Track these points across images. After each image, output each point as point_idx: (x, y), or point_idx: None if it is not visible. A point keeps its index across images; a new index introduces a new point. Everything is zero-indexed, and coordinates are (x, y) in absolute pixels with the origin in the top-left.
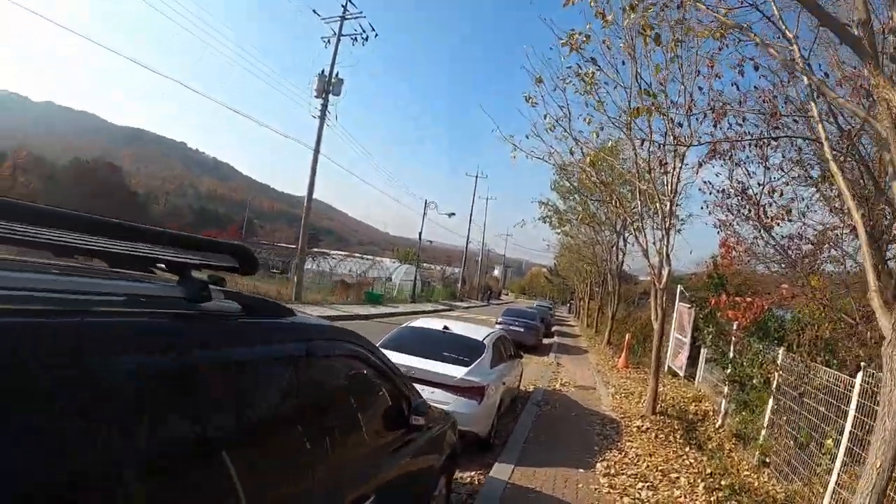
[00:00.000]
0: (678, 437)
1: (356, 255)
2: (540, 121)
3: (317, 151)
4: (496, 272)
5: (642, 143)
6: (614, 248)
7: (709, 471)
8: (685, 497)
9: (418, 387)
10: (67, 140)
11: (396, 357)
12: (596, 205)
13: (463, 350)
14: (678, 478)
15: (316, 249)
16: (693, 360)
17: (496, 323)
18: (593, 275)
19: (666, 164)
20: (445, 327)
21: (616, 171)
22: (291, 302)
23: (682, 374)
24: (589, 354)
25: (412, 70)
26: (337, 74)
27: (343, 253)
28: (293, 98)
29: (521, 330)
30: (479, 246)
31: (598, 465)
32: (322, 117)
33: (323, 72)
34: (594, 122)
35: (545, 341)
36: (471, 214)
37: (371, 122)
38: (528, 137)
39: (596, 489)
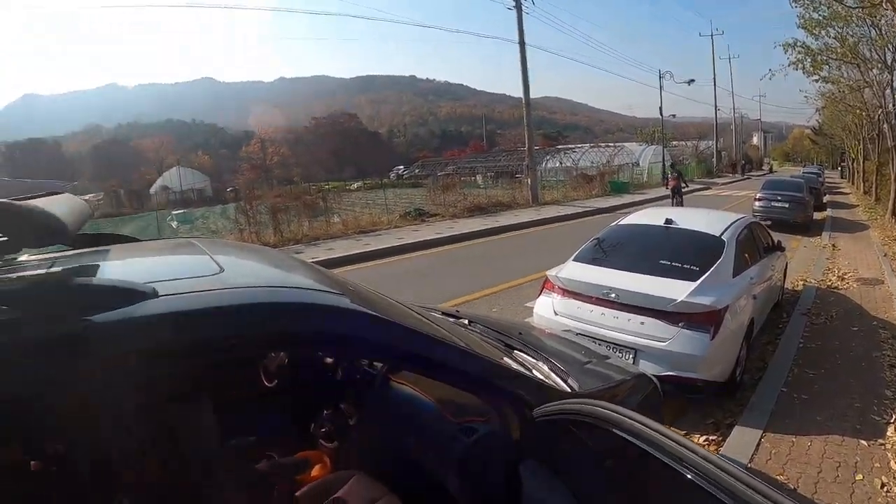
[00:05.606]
0: None
1: (600, 144)
2: None
3: (521, 44)
4: (754, 140)
5: None
6: (887, 89)
7: None
8: None
9: (623, 315)
10: (306, 104)
11: (592, 272)
12: (857, 34)
13: (691, 253)
14: None
15: (560, 146)
16: None
17: (755, 200)
18: (866, 128)
19: None
20: (669, 220)
21: None
22: (529, 205)
23: None
24: (870, 231)
25: None
26: None
27: (586, 145)
28: None
29: (786, 206)
30: (729, 113)
31: (890, 429)
32: (519, 6)
33: None
34: None
35: (816, 216)
36: (714, 77)
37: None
38: None
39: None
